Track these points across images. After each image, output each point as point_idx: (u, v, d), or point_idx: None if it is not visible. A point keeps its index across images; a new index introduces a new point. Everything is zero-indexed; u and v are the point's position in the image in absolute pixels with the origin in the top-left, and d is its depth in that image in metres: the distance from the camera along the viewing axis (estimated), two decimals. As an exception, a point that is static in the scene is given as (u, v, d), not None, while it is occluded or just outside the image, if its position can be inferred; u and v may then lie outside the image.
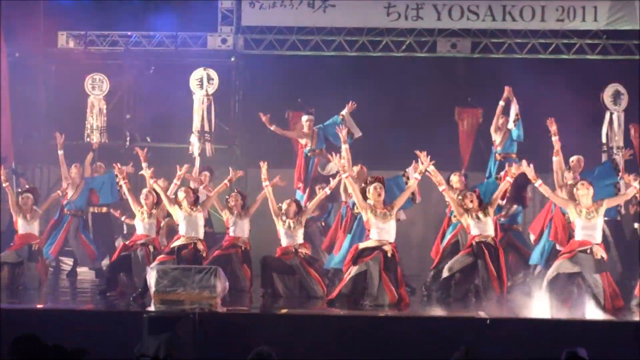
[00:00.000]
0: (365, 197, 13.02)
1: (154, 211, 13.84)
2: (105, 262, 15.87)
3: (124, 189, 14.29)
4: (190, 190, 14.05)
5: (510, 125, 15.56)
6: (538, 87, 16.08)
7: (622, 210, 15.65)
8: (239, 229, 14.34)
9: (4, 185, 14.94)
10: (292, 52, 18.98)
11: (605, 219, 13.08)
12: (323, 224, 16.19)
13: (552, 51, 18.60)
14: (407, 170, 14.18)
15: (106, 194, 16.41)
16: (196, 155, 17.52)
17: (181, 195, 13.86)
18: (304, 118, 16.38)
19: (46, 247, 15.70)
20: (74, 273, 16.34)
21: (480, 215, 13.22)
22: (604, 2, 18.25)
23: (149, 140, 18.93)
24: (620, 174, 14.29)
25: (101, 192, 16.42)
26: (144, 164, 14.29)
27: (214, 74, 18.04)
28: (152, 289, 12.35)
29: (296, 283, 13.65)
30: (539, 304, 12.04)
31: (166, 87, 18.50)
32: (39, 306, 12.58)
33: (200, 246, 13.72)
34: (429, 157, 13.15)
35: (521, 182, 14.30)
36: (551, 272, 12.41)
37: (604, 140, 17.34)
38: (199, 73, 18.05)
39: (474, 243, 13.15)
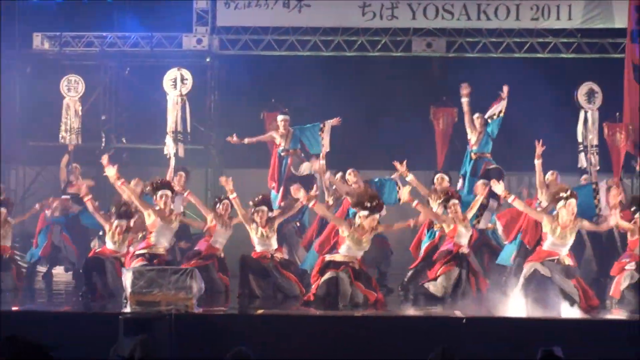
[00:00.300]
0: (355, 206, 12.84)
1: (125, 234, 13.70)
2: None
3: (90, 207, 13.98)
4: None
5: (488, 114, 15.67)
6: (513, 86, 16.10)
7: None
8: (222, 238, 14.31)
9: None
10: (268, 52, 18.99)
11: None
12: (298, 224, 16.14)
13: (527, 50, 18.67)
14: (393, 177, 14.33)
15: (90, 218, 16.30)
16: (171, 155, 17.49)
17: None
18: (280, 117, 16.35)
19: (35, 250, 15.90)
20: (50, 275, 16.28)
21: (463, 228, 13.30)
22: (578, 1, 18.33)
23: (124, 141, 18.88)
24: (597, 209, 14.19)
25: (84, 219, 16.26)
26: (106, 168, 13.87)
27: (187, 74, 18.02)
28: (128, 290, 12.30)
29: (271, 285, 13.60)
30: (515, 303, 12.09)
31: (142, 87, 18.50)
32: (14, 308, 12.52)
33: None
34: (405, 161, 13.15)
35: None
36: (527, 271, 12.44)
37: (579, 139, 17.42)
38: (172, 73, 18.02)
39: (459, 253, 13.23)
